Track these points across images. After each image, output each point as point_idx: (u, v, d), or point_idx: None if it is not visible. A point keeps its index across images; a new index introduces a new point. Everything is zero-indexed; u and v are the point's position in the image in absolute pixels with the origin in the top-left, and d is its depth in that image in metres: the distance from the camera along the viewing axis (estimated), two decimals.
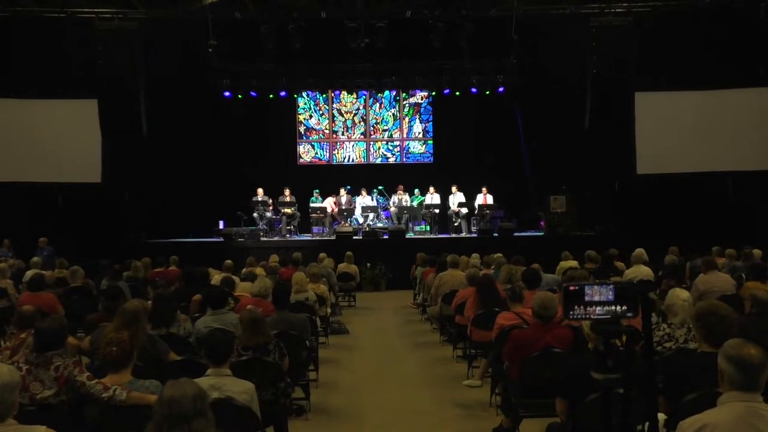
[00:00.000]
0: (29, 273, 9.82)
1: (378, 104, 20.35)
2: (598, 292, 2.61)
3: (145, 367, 4.57)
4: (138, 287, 8.91)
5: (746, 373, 2.91)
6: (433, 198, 17.42)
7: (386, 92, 20.10)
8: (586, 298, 2.62)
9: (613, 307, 2.62)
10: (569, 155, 16.75)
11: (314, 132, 20.34)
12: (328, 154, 20.26)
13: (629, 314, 2.63)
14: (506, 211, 17.50)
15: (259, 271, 9.60)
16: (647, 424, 2.73)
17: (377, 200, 17.97)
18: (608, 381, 2.61)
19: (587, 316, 2.62)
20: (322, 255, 12.66)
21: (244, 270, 10.01)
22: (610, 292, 2.62)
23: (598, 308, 2.62)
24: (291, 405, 5.65)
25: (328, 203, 17.49)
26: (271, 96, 18.30)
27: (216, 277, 9.37)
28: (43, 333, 4.25)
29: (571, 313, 2.63)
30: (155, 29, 15.38)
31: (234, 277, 8.57)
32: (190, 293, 7.86)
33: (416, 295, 12.67)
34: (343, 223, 16.96)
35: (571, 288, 2.64)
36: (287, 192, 16.96)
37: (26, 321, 5.13)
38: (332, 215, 17.36)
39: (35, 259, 11.45)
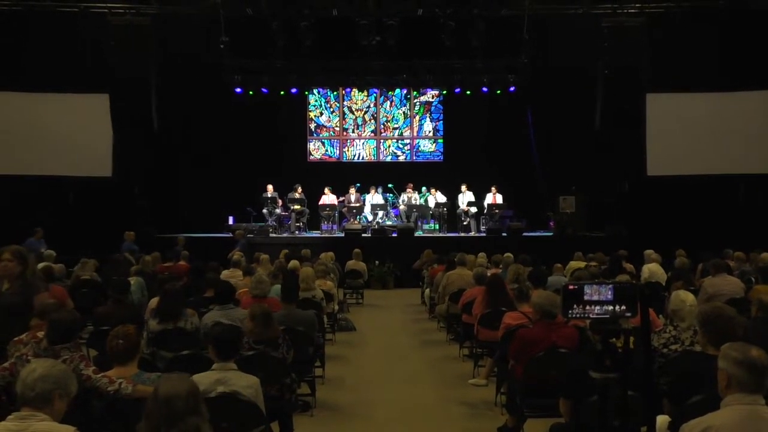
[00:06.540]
0: (40, 265, 9.84)
1: (389, 102, 20.33)
2: (597, 292, 2.61)
3: None
4: (146, 281, 8.96)
5: (756, 375, 2.92)
6: (436, 197, 17.40)
7: (397, 90, 20.08)
8: (585, 298, 2.61)
9: (612, 307, 2.61)
10: (580, 156, 16.72)
11: (324, 129, 20.34)
12: (338, 151, 20.27)
13: (628, 314, 2.62)
14: (515, 210, 17.41)
15: (262, 269, 9.47)
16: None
17: (386, 198, 17.94)
18: (606, 380, 2.62)
19: (586, 315, 2.62)
20: (322, 255, 12.61)
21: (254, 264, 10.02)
22: (609, 292, 2.62)
23: (597, 308, 2.61)
24: (296, 401, 5.67)
25: (325, 200, 17.36)
26: (282, 93, 18.26)
27: (225, 272, 9.39)
28: (57, 326, 4.25)
29: (570, 311, 2.63)
30: (167, 25, 15.42)
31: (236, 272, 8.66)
32: (198, 288, 7.89)
33: (423, 293, 12.64)
34: (352, 220, 16.96)
35: (571, 287, 2.64)
36: (299, 189, 16.96)
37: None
38: (341, 213, 17.34)
39: (48, 251, 11.46)
